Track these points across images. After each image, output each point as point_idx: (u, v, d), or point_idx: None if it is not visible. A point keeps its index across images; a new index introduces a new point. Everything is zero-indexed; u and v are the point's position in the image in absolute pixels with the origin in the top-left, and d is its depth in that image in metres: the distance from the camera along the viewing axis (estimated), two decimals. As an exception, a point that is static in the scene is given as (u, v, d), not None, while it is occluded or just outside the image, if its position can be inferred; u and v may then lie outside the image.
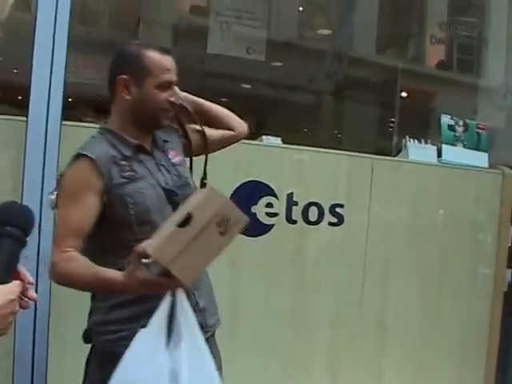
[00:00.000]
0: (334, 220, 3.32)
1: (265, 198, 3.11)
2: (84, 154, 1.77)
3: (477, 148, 3.89)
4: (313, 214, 3.24)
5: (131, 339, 1.60)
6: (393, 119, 4.98)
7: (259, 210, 3.09)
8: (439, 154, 3.78)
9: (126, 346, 1.60)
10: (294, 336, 3.22)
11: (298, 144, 3.32)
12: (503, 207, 3.97)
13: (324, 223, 3.28)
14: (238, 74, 4.65)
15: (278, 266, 3.17)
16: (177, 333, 1.55)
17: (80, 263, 1.70)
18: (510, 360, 4.02)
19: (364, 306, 3.41)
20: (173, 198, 1.85)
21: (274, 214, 3.13)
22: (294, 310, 3.24)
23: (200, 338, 1.57)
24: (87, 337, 1.90)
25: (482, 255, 3.97)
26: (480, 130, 3.91)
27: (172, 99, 1.87)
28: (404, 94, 4.83)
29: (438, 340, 3.70)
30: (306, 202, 3.22)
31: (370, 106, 4.99)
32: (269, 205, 3.12)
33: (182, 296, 1.56)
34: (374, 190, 3.50)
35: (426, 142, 3.86)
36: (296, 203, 3.19)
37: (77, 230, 1.75)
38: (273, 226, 3.12)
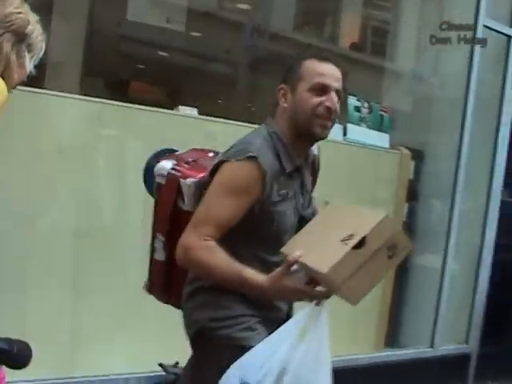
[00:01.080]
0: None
1: (178, 166, 3.20)
2: (256, 160, 1.71)
3: (379, 129, 4.16)
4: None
5: (251, 331, 1.73)
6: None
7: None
8: (344, 133, 4.01)
9: (246, 339, 1.72)
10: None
11: (212, 115, 3.41)
12: (400, 185, 4.29)
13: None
14: (155, 41, 4.65)
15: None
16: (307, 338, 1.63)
17: (221, 256, 1.67)
18: (401, 312, 4.41)
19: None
20: (301, 222, 1.84)
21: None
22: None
23: (327, 351, 1.67)
24: (198, 333, 1.85)
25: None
26: (383, 113, 4.19)
27: (328, 104, 1.77)
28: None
29: (335, 303, 3.98)
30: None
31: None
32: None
33: (325, 307, 1.64)
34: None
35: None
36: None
37: (221, 224, 1.71)
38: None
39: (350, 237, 1.49)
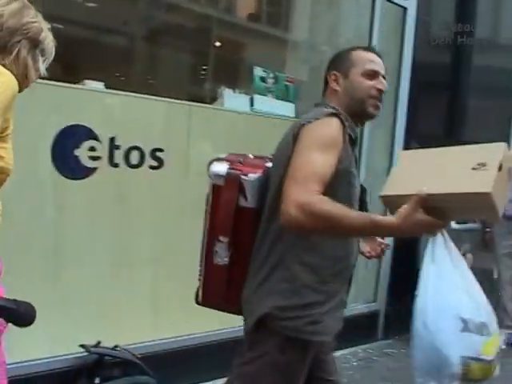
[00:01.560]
0: (155, 163, 3.42)
1: (87, 141, 3.11)
2: (337, 115, 1.82)
3: (285, 99, 4.21)
4: (134, 157, 3.32)
5: (317, 323, 1.73)
6: (206, 67, 5.13)
7: (82, 153, 3.09)
8: (251, 104, 4.03)
9: (312, 333, 1.72)
10: (117, 278, 3.31)
11: (113, 88, 3.34)
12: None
13: (145, 167, 3.37)
14: (49, 12, 4.41)
15: (102, 209, 3.23)
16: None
17: (340, 206, 1.64)
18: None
19: (183, 244, 3.59)
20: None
21: (97, 158, 3.16)
22: (117, 251, 3.33)
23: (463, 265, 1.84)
24: (259, 322, 1.81)
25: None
26: (288, 83, 4.24)
27: (379, 86, 1.97)
28: (217, 43, 4.98)
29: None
30: (128, 146, 3.28)
31: (184, 53, 5.07)
32: (92, 148, 3.13)
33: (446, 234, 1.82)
34: (191, 136, 3.66)
35: (236, 91, 4.10)
36: (118, 147, 3.24)
37: (323, 179, 1.71)
38: (96, 169, 3.14)
39: (482, 164, 1.63)
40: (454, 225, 4.62)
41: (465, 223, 4.78)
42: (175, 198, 3.58)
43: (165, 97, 3.56)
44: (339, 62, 2.04)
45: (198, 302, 2.03)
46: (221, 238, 1.89)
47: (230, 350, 3.56)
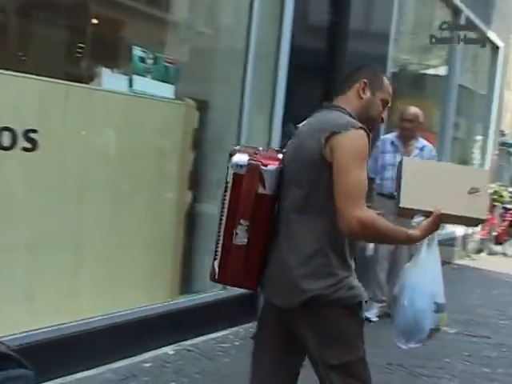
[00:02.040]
0: (28, 145, 3.26)
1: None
2: (364, 129, 2.11)
3: (165, 80, 4.16)
4: (5, 138, 3.15)
5: (353, 288, 2.15)
6: (83, 45, 4.93)
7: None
8: (130, 84, 3.94)
9: (353, 296, 2.14)
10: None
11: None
12: (185, 135, 4.37)
13: (17, 149, 3.21)
14: None
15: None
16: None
17: (386, 222, 2.11)
18: (193, 258, 4.58)
19: (61, 230, 3.47)
20: None
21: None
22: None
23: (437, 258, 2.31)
24: (310, 301, 2.09)
25: (166, 180, 4.33)
26: (168, 64, 4.19)
27: (384, 116, 2.35)
28: (95, 21, 4.79)
29: (129, 256, 4.01)
30: (-2, 127, 3.10)
31: (59, 29, 4.84)
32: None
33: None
34: (68, 116, 3.53)
35: (115, 71, 3.99)
36: (-14, 128, 3.06)
37: (365, 192, 2.08)
38: (-38, 151, 2.95)
39: (475, 189, 2.19)
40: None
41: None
42: (51, 181, 3.45)
43: (39, 75, 3.38)
44: (373, 78, 2.32)
45: (214, 279, 2.25)
46: (241, 222, 2.14)
47: (108, 337, 3.56)
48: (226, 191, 2.19)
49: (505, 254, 10.88)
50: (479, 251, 10.37)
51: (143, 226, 4.13)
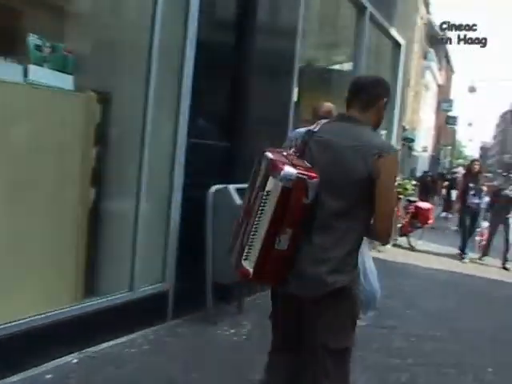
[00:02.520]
0: None
1: None
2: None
3: (63, 70, 3.90)
4: None
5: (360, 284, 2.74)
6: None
7: None
8: (25, 74, 3.66)
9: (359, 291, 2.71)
10: None
11: None
12: (88, 129, 4.13)
13: None
14: None
15: None
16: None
17: None
18: (98, 260, 4.34)
19: None
20: None
21: None
22: None
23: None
24: (334, 292, 2.45)
25: (67, 177, 4.07)
26: (67, 53, 3.93)
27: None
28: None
29: (27, 258, 3.73)
30: None
31: None
32: None
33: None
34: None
35: (8, 60, 3.70)
36: None
37: None
38: None
39: None
40: (238, 200, 4.71)
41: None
42: None
43: None
44: (388, 92, 2.74)
45: (247, 279, 2.45)
46: (287, 230, 2.35)
47: (3, 349, 3.28)
48: (265, 201, 2.34)
49: (411, 246, 11.23)
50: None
51: (42, 226, 3.86)
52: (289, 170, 2.31)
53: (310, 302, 2.51)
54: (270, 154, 2.47)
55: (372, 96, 2.63)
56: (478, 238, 11.23)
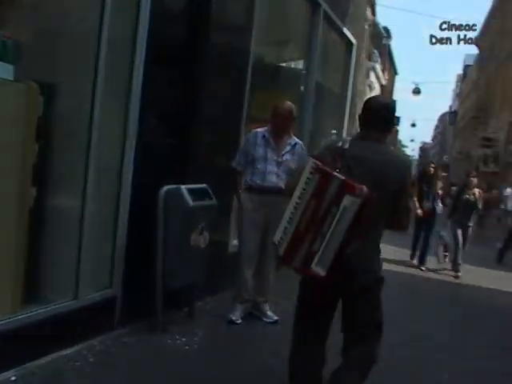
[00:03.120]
0: None
1: None
2: None
3: (2, 59, 3.56)
4: None
5: None
6: None
7: None
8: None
9: None
10: None
11: None
12: (29, 122, 3.80)
13: None
14: None
15: None
16: None
17: None
18: (40, 267, 3.98)
19: None
20: None
21: None
22: None
23: None
24: (376, 279, 3.18)
25: (4, 174, 3.72)
26: (6, 39, 3.59)
27: None
28: None
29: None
30: None
31: None
32: None
33: None
34: None
35: None
36: None
37: None
38: None
39: None
40: (190, 202, 4.47)
41: (202, 200, 4.66)
42: None
43: None
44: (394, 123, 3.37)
45: (283, 264, 3.20)
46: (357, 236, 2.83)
47: None
48: (342, 214, 2.70)
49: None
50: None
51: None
52: (364, 188, 2.69)
53: (353, 287, 3.05)
54: (338, 175, 2.77)
55: (389, 128, 3.21)
56: (440, 249, 10.51)
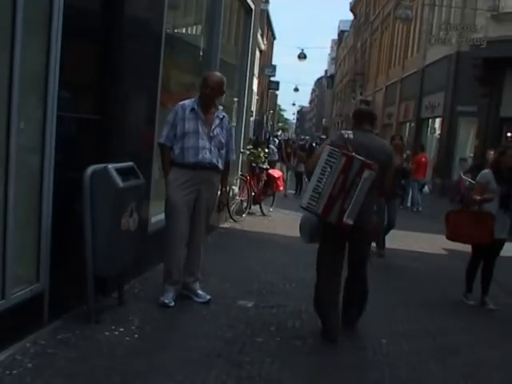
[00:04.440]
0: None
1: None
2: None
3: None
4: None
5: None
6: None
7: None
8: None
9: None
10: None
11: None
12: None
13: None
14: None
15: None
16: None
17: None
18: None
19: None
20: None
21: None
22: None
23: None
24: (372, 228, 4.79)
25: None
26: None
27: None
28: None
29: None
30: None
31: None
32: None
33: None
34: None
35: None
36: None
37: None
38: None
39: None
40: (120, 183, 4.15)
41: (129, 179, 4.34)
42: None
43: None
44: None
45: (323, 217, 4.38)
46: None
47: None
48: (364, 182, 4.18)
49: (263, 214, 11.24)
50: (241, 212, 10.48)
51: None
52: (377, 165, 4.21)
53: (356, 232, 4.36)
54: (358, 156, 4.22)
55: (374, 121, 4.82)
56: None
